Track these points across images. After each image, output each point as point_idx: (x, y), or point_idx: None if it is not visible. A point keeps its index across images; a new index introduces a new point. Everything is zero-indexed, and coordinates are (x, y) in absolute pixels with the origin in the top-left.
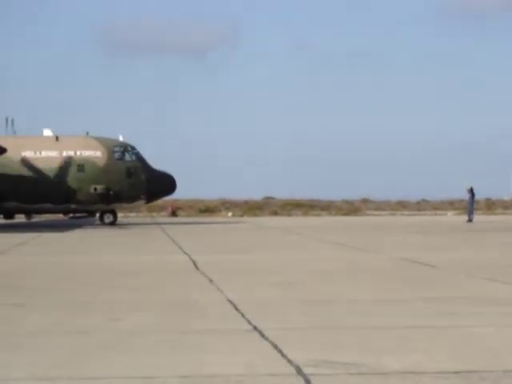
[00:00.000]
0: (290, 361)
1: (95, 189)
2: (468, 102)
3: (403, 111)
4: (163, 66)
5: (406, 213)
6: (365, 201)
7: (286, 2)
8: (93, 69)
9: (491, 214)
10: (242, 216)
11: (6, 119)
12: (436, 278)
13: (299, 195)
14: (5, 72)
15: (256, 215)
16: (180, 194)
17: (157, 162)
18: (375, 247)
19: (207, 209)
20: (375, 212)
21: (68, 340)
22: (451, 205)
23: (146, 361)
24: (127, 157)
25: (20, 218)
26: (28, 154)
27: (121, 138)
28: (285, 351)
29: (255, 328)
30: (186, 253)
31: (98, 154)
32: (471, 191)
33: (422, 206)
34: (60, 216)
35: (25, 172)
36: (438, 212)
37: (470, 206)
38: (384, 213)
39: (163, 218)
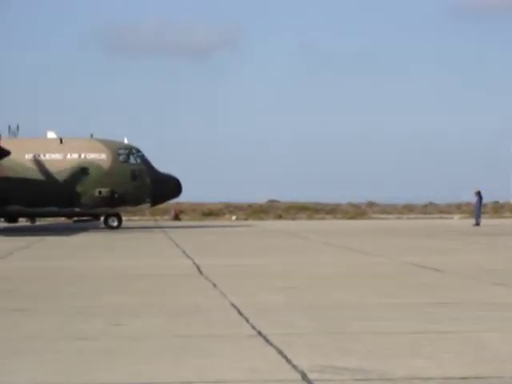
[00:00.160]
0: (294, 366)
1: (100, 192)
2: (477, 104)
3: (411, 113)
4: (166, 68)
5: (412, 216)
6: (371, 204)
7: (289, 2)
8: (95, 70)
9: (498, 217)
10: (246, 219)
11: (9, 127)
12: (442, 283)
13: (304, 198)
14: (8, 74)
15: (260, 219)
16: (183, 197)
17: (159, 165)
18: (381, 251)
19: (211, 212)
20: (381, 215)
21: (69, 345)
22: (458, 208)
23: (149, 366)
24: (132, 159)
25: (23, 222)
26: (32, 156)
27: (126, 141)
28: (290, 356)
29: (260, 333)
30: (189, 257)
31: (103, 156)
32: (479, 194)
33: (428, 209)
34: (64, 219)
35: (28, 175)
36: (445, 215)
37: (478, 209)
38: (390, 216)
39: (166, 221)
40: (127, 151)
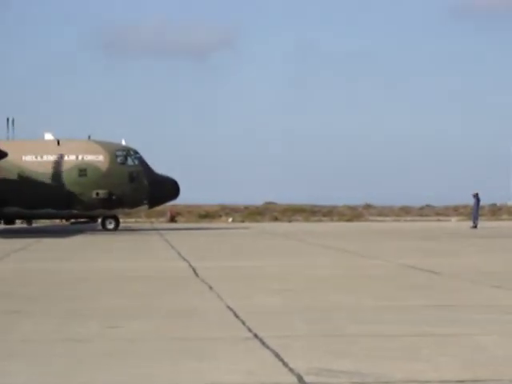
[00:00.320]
0: (291, 369)
1: (97, 194)
2: (476, 104)
3: (408, 114)
4: (164, 68)
5: (409, 218)
6: (367, 206)
7: (287, 2)
8: (93, 71)
9: (496, 219)
10: (242, 221)
11: (7, 119)
12: (440, 285)
13: (301, 200)
14: (5, 74)
15: (256, 221)
16: (179, 199)
17: (155, 166)
18: (378, 253)
19: (207, 214)
20: (378, 218)
21: (65, 348)
22: (455, 210)
23: (146, 369)
24: (130, 161)
25: (19, 224)
26: (29, 158)
27: (123, 142)
28: (286, 359)
29: (256, 336)
30: (185, 259)
31: (101, 158)
32: (476, 196)
33: (425, 211)
34: (61, 221)
35: (25, 177)
36: (442, 218)
37: (475, 211)
38: (387, 218)
39: (162, 223)
40: (125, 153)
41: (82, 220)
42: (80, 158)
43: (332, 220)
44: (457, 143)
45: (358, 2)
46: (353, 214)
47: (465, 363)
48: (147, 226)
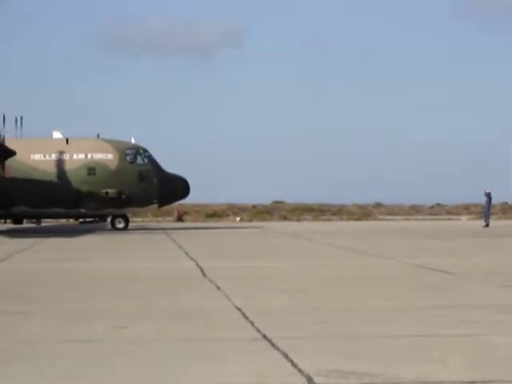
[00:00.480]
0: (300, 370)
1: (106, 193)
2: (484, 104)
3: (417, 113)
4: (171, 67)
5: (420, 217)
6: (377, 205)
7: (294, 1)
8: (100, 70)
9: (506, 218)
10: (250, 221)
11: (16, 118)
12: (451, 285)
13: (309, 199)
14: (12, 74)
15: (265, 220)
16: (187, 198)
17: (162, 165)
18: (388, 253)
19: (215, 213)
20: (388, 217)
21: (71, 349)
22: (466, 209)
23: (152, 370)
24: (139, 160)
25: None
26: (37, 157)
27: (133, 141)
28: (295, 360)
29: (265, 336)
30: (192, 259)
31: (110, 156)
32: (489, 195)
33: (435, 210)
34: (67, 221)
35: (34, 175)
36: (452, 217)
37: (487, 210)
38: (397, 217)
39: (169, 222)
40: (134, 151)
41: (91, 219)
42: (89, 156)
43: (341, 219)
44: (468, 141)
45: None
46: (362, 213)
47: (476, 364)
48: (154, 225)
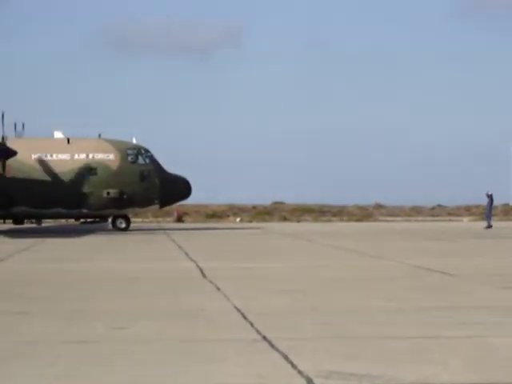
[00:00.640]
0: (300, 372)
1: (108, 193)
2: (485, 104)
3: (418, 113)
4: (169, 67)
5: (420, 219)
6: (378, 206)
7: (293, 0)
8: (101, 70)
9: (508, 219)
10: (250, 221)
11: (15, 125)
12: (452, 287)
13: (310, 200)
14: (13, 74)
15: (265, 221)
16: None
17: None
18: (388, 254)
19: (214, 214)
20: (388, 218)
21: (71, 349)
22: (467, 210)
23: (152, 371)
24: (141, 160)
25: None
26: (38, 157)
27: (134, 141)
28: (295, 362)
29: (264, 338)
30: (192, 260)
31: (111, 156)
32: (490, 197)
33: (436, 211)
34: (66, 221)
35: (35, 175)
36: (454, 218)
37: (488, 211)
38: (398, 218)
39: (169, 223)
40: (136, 151)
41: (92, 220)
42: (90, 156)
43: (342, 220)
44: (469, 142)
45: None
46: (363, 214)
47: (477, 365)
48: (154, 225)
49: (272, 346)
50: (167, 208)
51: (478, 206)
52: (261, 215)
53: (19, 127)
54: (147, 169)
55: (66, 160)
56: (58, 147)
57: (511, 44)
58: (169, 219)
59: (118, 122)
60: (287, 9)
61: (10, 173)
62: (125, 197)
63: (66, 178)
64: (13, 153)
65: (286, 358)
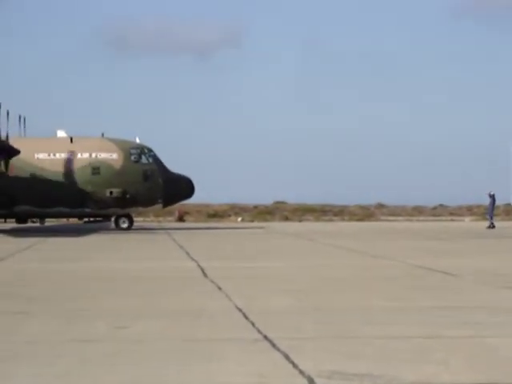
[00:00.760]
0: (301, 372)
1: (111, 192)
2: (487, 104)
3: (419, 113)
4: (169, 67)
5: (422, 218)
6: (379, 206)
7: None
8: (101, 69)
9: (510, 219)
10: (251, 221)
11: (19, 117)
12: (453, 287)
13: (311, 200)
14: (16, 73)
15: (266, 220)
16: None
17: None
18: (390, 254)
19: (216, 214)
20: (390, 217)
21: (71, 349)
22: (469, 210)
23: (153, 370)
24: (144, 159)
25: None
26: (41, 156)
27: (137, 140)
28: (296, 361)
29: (266, 337)
30: (193, 259)
31: (114, 156)
32: (493, 197)
33: (438, 211)
34: (67, 220)
35: (38, 175)
36: (455, 218)
37: (490, 211)
38: (399, 218)
39: (170, 223)
40: (139, 151)
41: (95, 219)
42: (93, 155)
43: (343, 220)
44: (471, 142)
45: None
46: (364, 213)
47: (477, 365)
48: (155, 225)
49: (273, 345)
50: (168, 207)
51: (479, 206)
52: (262, 215)
53: (21, 124)
54: (150, 168)
55: (69, 159)
56: (61, 146)
57: (511, 44)
58: (170, 218)
59: (119, 121)
60: (287, 9)
61: (13, 172)
62: (128, 196)
63: (69, 177)
64: (16, 152)
65: (287, 357)
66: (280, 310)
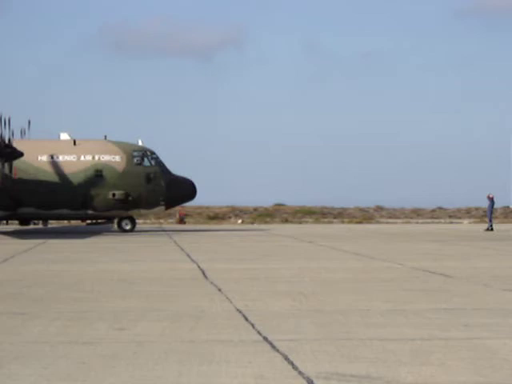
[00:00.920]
0: (300, 373)
1: (114, 194)
2: (487, 108)
3: (419, 116)
4: (170, 69)
5: (421, 221)
6: (378, 208)
7: (293, 2)
8: (103, 72)
9: (508, 222)
10: (252, 223)
11: (21, 130)
12: (451, 289)
13: (311, 202)
14: (20, 76)
15: (266, 222)
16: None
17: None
18: (389, 256)
19: (216, 216)
20: (389, 220)
21: (72, 350)
22: (468, 213)
23: (152, 371)
24: (146, 162)
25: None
26: (45, 158)
27: (140, 143)
28: (296, 363)
29: (265, 339)
30: (194, 261)
31: (117, 158)
32: (492, 199)
33: (436, 213)
34: (69, 222)
35: (41, 177)
36: (454, 220)
37: (489, 213)
38: (398, 221)
39: (171, 224)
40: (141, 153)
41: (97, 221)
42: (96, 158)
43: (342, 222)
44: (470, 145)
45: (366, 3)
46: (363, 216)
47: (476, 367)
48: (156, 227)
49: (273, 347)
50: (169, 209)
51: (478, 209)
52: (262, 217)
53: (25, 127)
54: (153, 171)
55: (72, 161)
56: (64, 149)
57: (511, 44)
58: (171, 220)
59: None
60: (288, 11)
61: (16, 174)
62: (130, 198)
63: (72, 179)
64: (19, 154)
65: (286, 359)
66: (280, 311)
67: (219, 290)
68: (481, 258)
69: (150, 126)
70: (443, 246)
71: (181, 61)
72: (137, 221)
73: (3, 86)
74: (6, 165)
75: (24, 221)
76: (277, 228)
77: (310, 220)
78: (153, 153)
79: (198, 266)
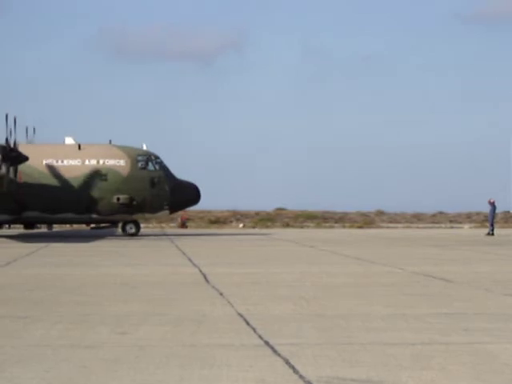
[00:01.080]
0: (301, 377)
1: (118, 199)
2: (488, 111)
3: (420, 120)
4: (170, 73)
5: (422, 225)
6: (379, 213)
7: (293, 6)
8: (104, 76)
9: (509, 227)
10: (253, 227)
11: (26, 128)
12: (452, 293)
13: (312, 207)
14: (24, 80)
15: (267, 227)
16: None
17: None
18: (389, 261)
19: (218, 220)
20: (390, 224)
21: (74, 354)
22: (468, 217)
23: (154, 375)
24: (151, 166)
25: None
26: (50, 162)
27: (144, 147)
28: (297, 367)
29: (267, 343)
30: (195, 265)
31: (122, 162)
32: (493, 204)
33: (437, 218)
34: (71, 226)
35: (46, 181)
36: (455, 225)
37: (491, 218)
38: (399, 225)
39: (173, 229)
40: (146, 158)
41: (102, 225)
42: (101, 162)
43: (344, 227)
44: (471, 149)
45: (365, 6)
46: (365, 220)
47: (477, 372)
48: (158, 231)
49: (274, 351)
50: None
51: (479, 213)
52: (264, 221)
53: (30, 132)
54: (157, 175)
55: (76, 166)
56: (69, 153)
57: (511, 45)
58: (172, 225)
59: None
60: (288, 14)
61: (21, 178)
62: (135, 202)
63: (76, 183)
64: (24, 158)
65: (287, 363)
66: (281, 315)
67: (221, 294)
68: (482, 262)
69: (155, 130)
70: (444, 250)
71: (181, 65)
72: (140, 225)
73: (9, 89)
74: (12, 169)
75: (29, 225)
76: (278, 232)
77: (312, 224)
78: (157, 157)
79: (200, 271)
